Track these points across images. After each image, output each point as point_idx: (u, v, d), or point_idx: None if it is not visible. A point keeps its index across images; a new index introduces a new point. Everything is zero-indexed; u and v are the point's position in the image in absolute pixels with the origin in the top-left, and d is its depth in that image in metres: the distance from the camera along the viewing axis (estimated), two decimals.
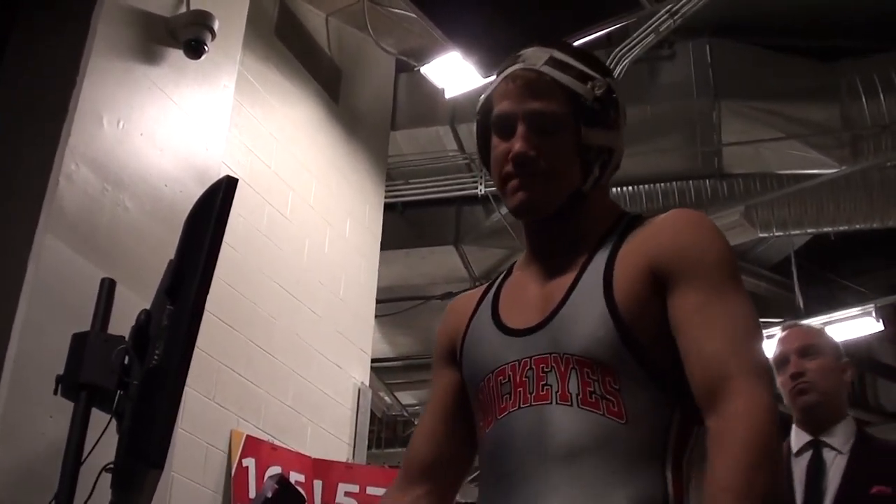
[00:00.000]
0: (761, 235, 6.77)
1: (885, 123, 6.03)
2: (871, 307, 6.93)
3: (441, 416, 1.60)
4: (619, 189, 6.72)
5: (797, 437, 2.70)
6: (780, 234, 6.84)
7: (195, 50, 3.74)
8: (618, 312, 1.35)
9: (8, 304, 2.87)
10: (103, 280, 2.43)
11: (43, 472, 2.50)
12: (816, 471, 2.58)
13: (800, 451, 2.65)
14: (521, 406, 1.38)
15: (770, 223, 6.59)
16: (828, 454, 2.60)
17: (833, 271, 8.24)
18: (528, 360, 1.40)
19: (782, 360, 2.73)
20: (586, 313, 1.37)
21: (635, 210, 6.41)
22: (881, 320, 6.97)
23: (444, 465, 1.58)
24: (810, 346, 2.73)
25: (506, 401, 1.41)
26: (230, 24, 4.08)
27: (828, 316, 7.01)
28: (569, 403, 1.34)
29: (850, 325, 7.00)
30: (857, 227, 6.68)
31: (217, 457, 4.01)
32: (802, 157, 6.34)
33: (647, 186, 6.64)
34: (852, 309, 7.01)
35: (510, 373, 1.41)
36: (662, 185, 6.61)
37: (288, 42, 5.14)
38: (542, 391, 1.37)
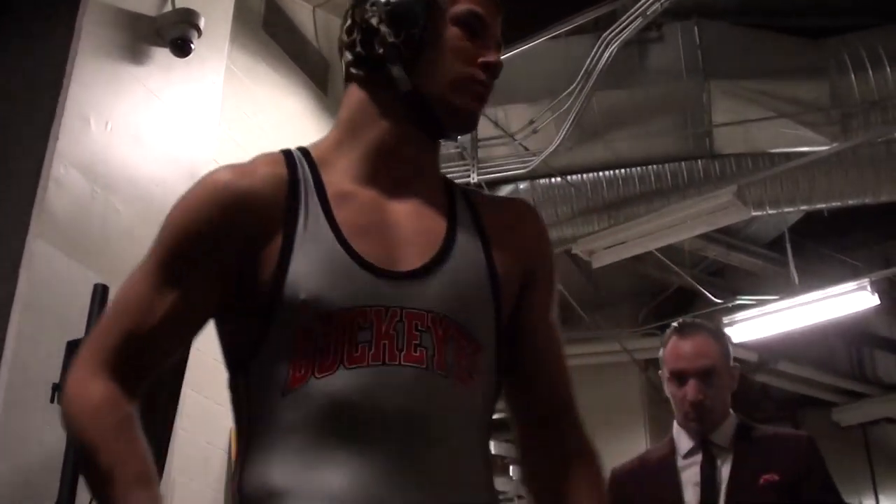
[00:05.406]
0: (754, 214, 6.77)
1: (874, 99, 6.02)
2: (865, 282, 6.91)
3: (188, 305, 1.32)
4: (611, 172, 6.71)
5: (683, 440, 2.63)
6: (773, 212, 6.83)
7: (182, 48, 3.74)
8: (500, 298, 1.35)
9: (1, 313, 2.86)
10: (96, 286, 2.44)
11: (41, 480, 2.51)
12: (711, 469, 2.54)
13: (689, 454, 2.59)
14: (388, 363, 1.22)
15: (763, 202, 6.58)
16: (717, 452, 2.56)
17: (827, 247, 8.25)
18: (399, 310, 1.25)
19: (679, 375, 2.58)
20: (473, 285, 1.33)
21: (630, 193, 6.46)
22: (876, 294, 6.96)
23: (159, 362, 1.34)
24: (712, 370, 2.58)
25: (363, 350, 1.22)
26: (216, 21, 4.07)
27: (823, 291, 7.01)
28: (445, 374, 1.25)
29: (846, 300, 6.99)
30: (850, 202, 6.68)
31: (218, 456, 4.01)
32: (793, 135, 6.33)
33: (639, 169, 6.62)
34: (848, 284, 7.00)
35: (373, 319, 1.24)
36: (655, 167, 6.59)
37: (275, 35, 5.13)
38: (416, 352, 1.24)
